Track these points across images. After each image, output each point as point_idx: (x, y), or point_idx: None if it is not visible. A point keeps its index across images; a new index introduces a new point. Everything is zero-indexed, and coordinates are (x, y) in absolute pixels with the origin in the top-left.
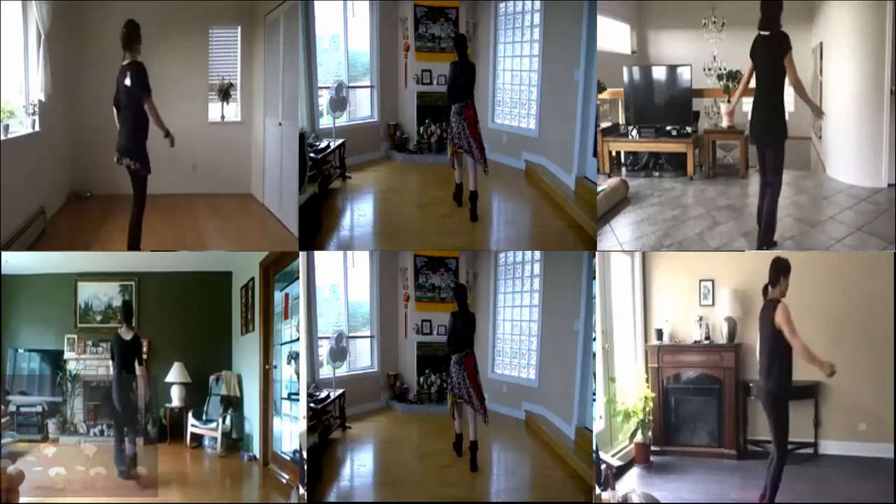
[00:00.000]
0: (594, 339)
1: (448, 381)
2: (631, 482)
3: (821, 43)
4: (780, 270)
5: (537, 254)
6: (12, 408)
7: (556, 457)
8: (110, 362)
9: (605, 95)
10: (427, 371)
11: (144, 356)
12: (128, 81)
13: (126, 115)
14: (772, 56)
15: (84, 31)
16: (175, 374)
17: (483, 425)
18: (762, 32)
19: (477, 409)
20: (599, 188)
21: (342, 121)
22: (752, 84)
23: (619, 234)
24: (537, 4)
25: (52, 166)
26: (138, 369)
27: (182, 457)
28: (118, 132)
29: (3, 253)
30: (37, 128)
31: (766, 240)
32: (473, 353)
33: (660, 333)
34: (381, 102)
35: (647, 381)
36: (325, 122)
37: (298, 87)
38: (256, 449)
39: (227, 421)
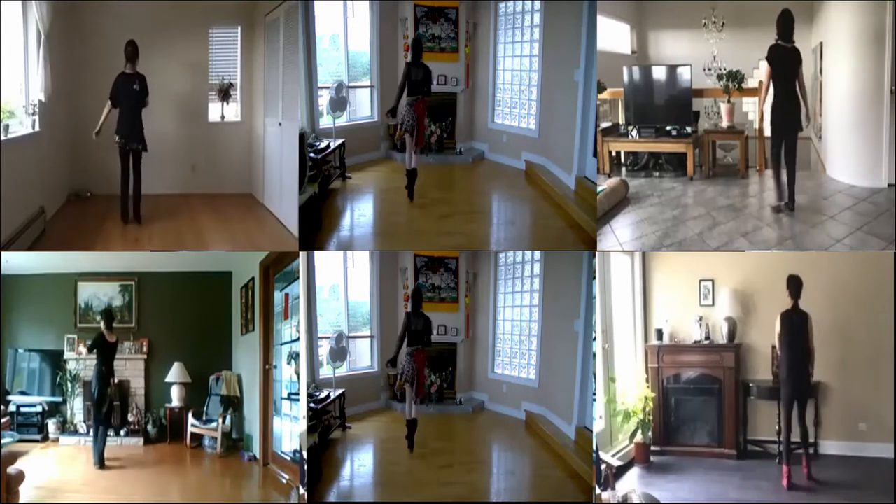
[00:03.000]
0: (594, 339)
1: (399, 370)
2: (631, 482)
3: (821, 43)
4: (800, 285)
5: (537, 254)
6: (12, 408)
7: (556, 457)
8: (96, 359)
9: (605, 95)
10: (427, 371)
11: (144, 356)
12: (136, 87)
13: (133, 112)
14: (790, 66)
15: (84, 31)
16: (175, 374)
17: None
18: (780, 43)
19: (416, 394)
20: (599, 188)
21: (342, 121)
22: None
23: (619, 234)
24: (537, 4)
25: (52, 166)
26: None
27: (182, 457)
28: (123, 123)
29: (3, 253)
30: (37, 128)
31: (791, 203)
32: (424, 351)
33: (660, 333)
34: (381, 102)
35: (647, 381)
36: (325, 122)
37: (298, 87)
38: (256, 449)
39: (227, 421)
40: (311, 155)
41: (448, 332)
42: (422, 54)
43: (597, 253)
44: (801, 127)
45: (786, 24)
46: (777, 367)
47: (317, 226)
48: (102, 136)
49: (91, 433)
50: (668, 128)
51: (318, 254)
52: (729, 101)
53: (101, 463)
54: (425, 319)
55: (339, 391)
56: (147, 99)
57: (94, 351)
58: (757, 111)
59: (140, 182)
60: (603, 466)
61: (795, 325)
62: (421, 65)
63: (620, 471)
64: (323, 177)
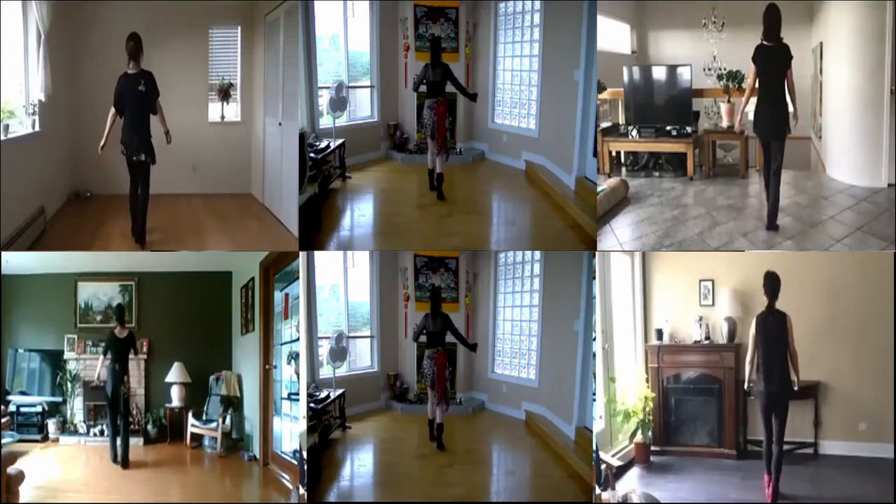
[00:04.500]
0: (594, 339)
1: (420, 372)
2: (631, 482)
3: (821, 43)
4: (778, 283)
5: (537, 254)
6: (12, 408)
7: (556, 457)
8: (101, 357)
9: (605, 95)
10: None
11: (144, 356)
12: (142, 87)
13: (138, 117)
14: (776, 65)
15: (84, 31)
16: (175, 374)
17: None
18: (766, 42)
19: (438, 401)
20: (599, 188)
21: (342, 121)
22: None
23: (619, 234)
24: (537, 4)
25: (52, 166)
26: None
27: (182, 457)
28: (127, 131)
29: (3, 253)
30: (37, 128)
31: (771, 222)
32: (445, 351)
33: (660, 333)
34: (381, 102)
35: (647, 381)
36: (325, 122)
37: (298, 87)
38: (256, 449)
39: (227, 421)
40: (311, 155)
41: None
42: (440, 54)
43: (597, 253)
44: (786, 132)
45: (770, 21)
46: (750, 379)
47: (317, 226)
48: (102, 136)
49: (108, 433)
50: (668, 128)
51: (318, 254)
52: (729, 101)
53: (124, 463)
54: (444, 319)
55: (339, 391)
56: (157, 102)
57: (108, 352)
58: (739, 113)
59: (147, 198)
60: (603, 466)
61: (771, 327)
62: (439, 64)
63: (620, 471)
64: (323, 177)
